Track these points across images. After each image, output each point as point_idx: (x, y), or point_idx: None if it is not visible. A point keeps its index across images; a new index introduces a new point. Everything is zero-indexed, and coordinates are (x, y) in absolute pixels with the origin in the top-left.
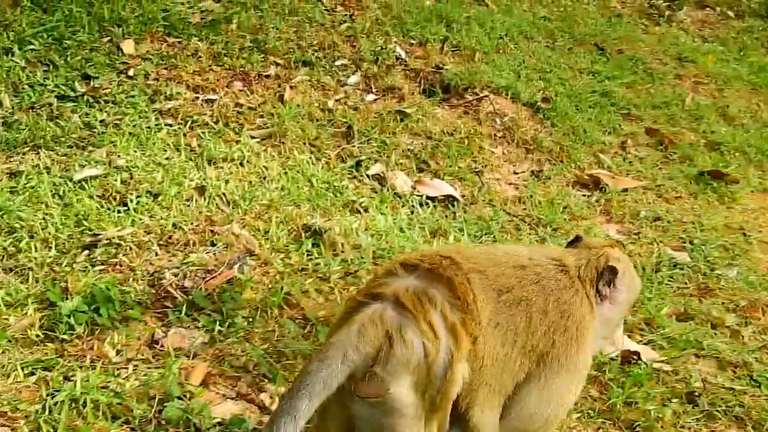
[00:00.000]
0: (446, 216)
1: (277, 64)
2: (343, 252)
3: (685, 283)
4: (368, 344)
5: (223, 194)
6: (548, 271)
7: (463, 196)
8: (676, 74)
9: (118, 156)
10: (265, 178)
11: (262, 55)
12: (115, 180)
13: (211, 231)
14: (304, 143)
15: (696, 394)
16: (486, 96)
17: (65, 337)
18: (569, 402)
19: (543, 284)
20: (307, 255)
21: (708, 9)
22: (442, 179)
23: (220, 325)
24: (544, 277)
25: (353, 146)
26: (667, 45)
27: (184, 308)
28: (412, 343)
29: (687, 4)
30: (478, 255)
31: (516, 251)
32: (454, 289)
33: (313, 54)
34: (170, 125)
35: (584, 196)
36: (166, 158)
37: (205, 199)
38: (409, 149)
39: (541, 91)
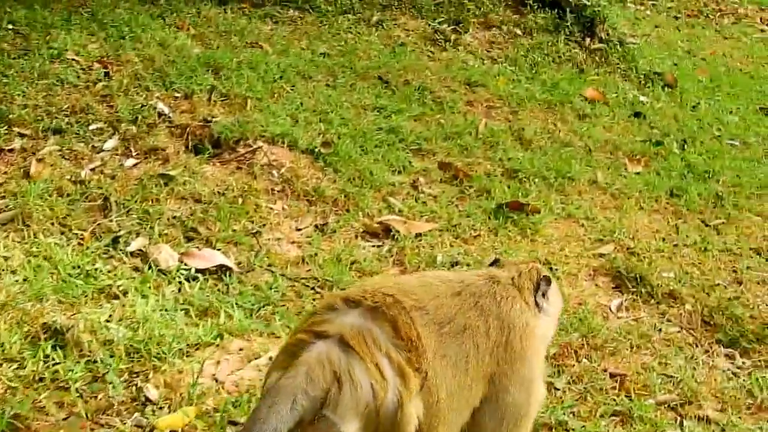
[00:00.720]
0: (218, 290)
1: (23, 136)
2: (90, 352)
3: None
4: (317, 387)
5: None
6: (482, 290)
7: (239, 263)
8: (467, 100)
9: None
10: (3, 270)
11: (5, 127)
12: None
13: None
14: (53, 223)
15: None
16: (260, 147)
17: None
18: (527, 414)
19: (481, 306)
20: (45, 361)
21: (494, 29)
22: (214, 247)
23: None
24: (480, 297)
25: (110, 220)
26: (456, 70)
27: None
28: (361, 384)
29: (472, 26)
30: (416, 288)
31: (449, 278)
32: (398, 329)
33: (64, 119)
34: None
35: (374, 246)
36: None
37: None
38: (174, 216)
39: (321, 135)
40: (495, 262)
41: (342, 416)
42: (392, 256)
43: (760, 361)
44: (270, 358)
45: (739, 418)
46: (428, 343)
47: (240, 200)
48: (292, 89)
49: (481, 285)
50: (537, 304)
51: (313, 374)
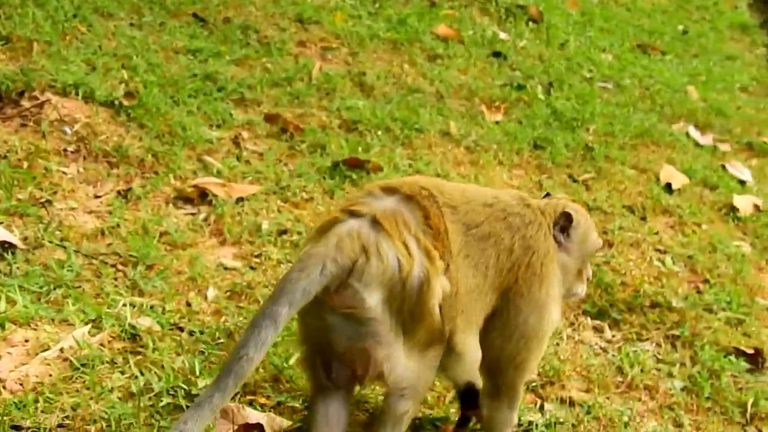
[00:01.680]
0: None
1: None
2: None
3: None
4: (345, 256)
5: None
6: (513, 207)
7: (24, 239)
8: (299, 40)
9: None
10: None
11: None
12: None
13: None
14: None
15: None
16: (48, 100)
17: None
18: (537, 337)
19: (509, 221)
20: None
21: None
22: None
23: None
24: (510, 214)
25: None
26: (285, 5)
27: None
28: (388, 257)
29: None
30: (451, 190)
31: (483, 190)
32: (428, 218)
33: None
34: None
35: (188, 214)
36: None
37: None
38: None
39: (124, 84)
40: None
41: (366, 285)
42: (209, 224)
43: (631, 333)
44: (61, 350)
45: (607, 398)
46: (454, 239)
47: (25, 164)
48: (88, 30)
49: (513, 204)
50: (555, 237)
51: (343, 244)
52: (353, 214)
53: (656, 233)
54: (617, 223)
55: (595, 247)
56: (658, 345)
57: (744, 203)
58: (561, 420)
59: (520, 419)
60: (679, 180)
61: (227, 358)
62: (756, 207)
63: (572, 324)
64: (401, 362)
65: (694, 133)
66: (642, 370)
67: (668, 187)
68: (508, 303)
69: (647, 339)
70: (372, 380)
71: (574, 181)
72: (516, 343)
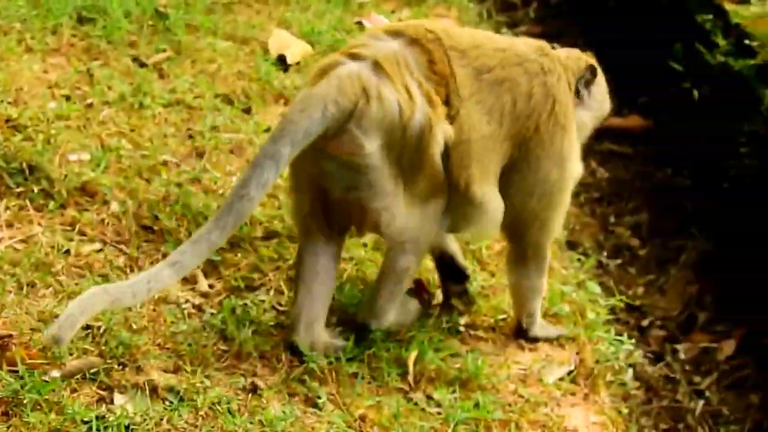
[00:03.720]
0: None
1: None
2: None
3: None
4: (347, 99)
5: None
6: (529, 54)
7: None
8: None
9: None
10: None
11: None
12: None
13: None
14: None
15: None
16: None
17: None
18: (560, 189)
19: (526, 67)
20: None
21: None
22: None
23: None
24: (526, 60)
25: None
26: None
27: None
28: (389, 100)
29: None
30: (461, 34)
31: (496, 36)
32: (433, 63)
33: None
34: None
35: None
36: None
37: None
38: None
39: None
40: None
41: (366, 130)
42: None
43: (237, 279)
44: None
45: (206, 377)
46: (463, 83)
47: None
48: None
49: (530, 51)
50: (578, 91)
51: (343, 85)
52: (354, 56)
53: (267, 130)
54: (209, 122)
55: (607, 110)
56: (278, 292)
57: None
58: (139, 416)
59: (80, 420)
60: (296, 49)
61: (228, 198)
62: None
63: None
64: (401, 214)
65: None
66: (256, 332)
67: (282, 62)
68: (528, 154)
69: (261, 285)
70: (368, 231)
71: (142, 65)
72: (539, 199)
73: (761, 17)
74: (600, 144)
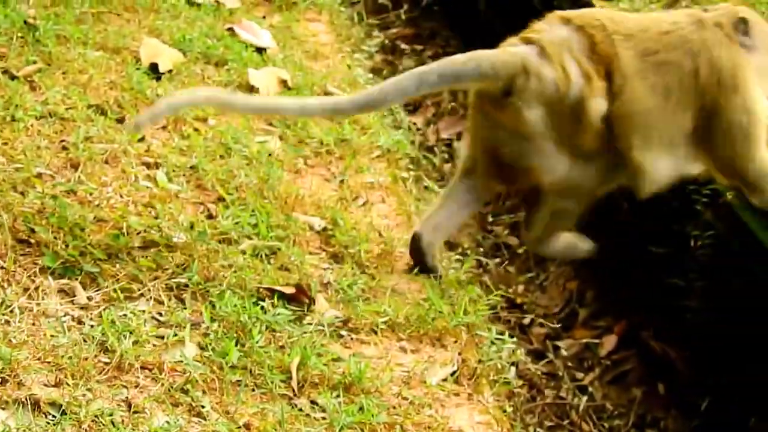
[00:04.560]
0: None
1: None
2: None
3: None
4: (503, 66)
5: None
6: (691, 34)
7: None
8: None
9: None
10: None
11: None
12: None
13: None
14: None
15: None
16: None
17: None
18: (756, 131)
19: (688, 47)
20: None
21: None
22: None
23: None
24: (687, 41)
25: None
26: None
27: None
28: (546, 77)
29: None
30: (627, 21)
31: (660, 18)
32: (595, 45)
33: None
34: None
35: None
36: None
37: None
38: None
39: None
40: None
41: (526, 102)
42: None
43: (116, 291)
44: None
45: (89, 390)
46: (627, 63)
47: None
48: None
49: (691, 30)
50: (741, 43)
51: (505, 56)
52: (526, 41)
53: (142, 139)
54: (83, 133)
55: None
56: (158, 302)
57: (265, 79)
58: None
59: None
60: (168, 58)
61: (370, 89)
62: (283, 83)
63: (26, 290)
64: (562, 171)
65: None
66: (137, 343)
67: (154, 70)
68: (712, 120)
69: (141, 295)
70: (529, 185)
71: (13, 77)
72: (741, 143)
73: None
74: None
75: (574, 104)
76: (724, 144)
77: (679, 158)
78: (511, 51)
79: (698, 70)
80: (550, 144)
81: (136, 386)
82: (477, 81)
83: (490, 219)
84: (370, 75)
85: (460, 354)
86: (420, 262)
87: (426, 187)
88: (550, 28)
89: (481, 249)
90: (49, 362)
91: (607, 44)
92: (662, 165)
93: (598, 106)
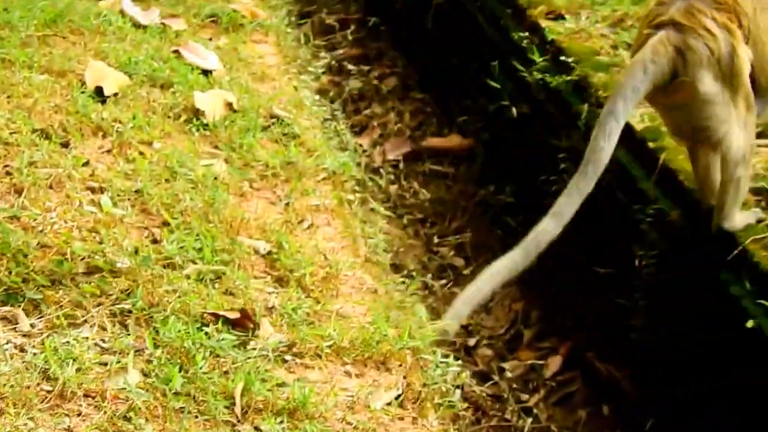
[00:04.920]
0: None
1: None
2: None
3: None
4: (662, 58)
5: None
6: None
7: None
8: None
9: None
10: None
11: None
12: None
13: None
14: None
15: None
16: None
17: None
18: None
19: None
20: None
21: None
22: None
23: None
24: None
25: None
26: None
27: None
28: (698, 48)
29: None
30: None
31: None
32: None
33: None
34: None
35: None
36: None
37: None
38: None
39: None
40: None
41: (694, 75)
42: None
43: (59, 317)
44: None
45: (30, 419)
46: (745, 5)
47: None
48: None
49: None
50: None
51: (657, 49)
52: (657, 26)
53: (86, 164)
54: (27, 158)
55: None
56: (102, 328)
57: (211, 103)
58: None
59: None
60: (113, 81)
61: (586, 155)
62: (229, 106)
63: None
64: (737, 135)
65: (131, 9)
66: (80, 369)
67: (99, 93)
68: None
69: (84, 322)
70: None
71: None
72: None
73: (576, 33)
74: (421, 165)
75: (728, 61)
76: None
77: None
78: (657, 41)
79: None
80: (723, 108)
81: (79, 414)
82: (652, 85)
83: (436, 240)
84: (317, 96)
85: (404, 377)
86: None
87: (372, 209)
88: (667, 4)
89: (427, 270)
90: None
91: None
92: None
93: (746, 54)
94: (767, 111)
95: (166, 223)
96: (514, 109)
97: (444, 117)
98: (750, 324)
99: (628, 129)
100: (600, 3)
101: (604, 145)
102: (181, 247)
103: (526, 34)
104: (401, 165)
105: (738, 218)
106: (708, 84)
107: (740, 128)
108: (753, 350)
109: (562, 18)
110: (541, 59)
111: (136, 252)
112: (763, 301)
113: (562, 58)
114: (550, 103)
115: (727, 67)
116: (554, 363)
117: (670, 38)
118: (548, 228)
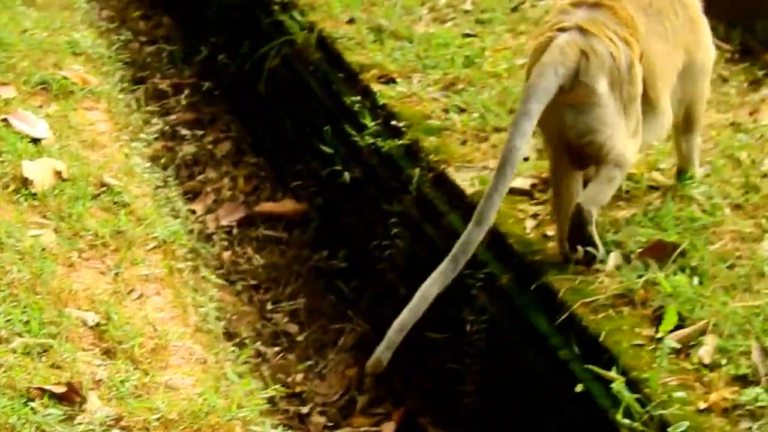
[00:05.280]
0: None
1: None
2: None
3: None
4: (570, 60)
5: None
6: None
7: None
8: None
9: None
10: None
11: None
12: None
13: None
14: None
15: None
16: None
17: None
18: (708, 71)
19: None
20: None
21: None
22: None
23: None
24: None
25: None
26: None
27: None
28: (602, 52)
29: None
30: None
31: None
32: (616, 14)
33: None
34: None
35: None
36: None
37: None
38: None
39: None
40: None
41: (594, 78)
42: None
43: None
44: None
45: None
46: (639, 22)
47: None
48: None
49: None
50: None
51: (565, 51)
52: (561, 29)
53: None
54: None
55: None
56: None
57: (40, 172)
58: None
59: None
60: None
61: (501, 155)
62: (58, 174)
63: None
64: (622, 141)
65: None
66: None
67: None
68: (690, 55)
69: None
70: (594, 162)
71: None
72: (701, 82)
73: (407, 97)
74: (255, 230)
75: (627, 70)
76: (694, 82)
77: (672, 100)
78: (565, 43)
79: (676, 9)
80: (614, 114)
81: None
82: (561, 83)
83: (270, 306)
84: (148, 163)
85: None
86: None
87: (203, 277)
88: (570, 13)
89: (260, 337)
90: None
91: (621, 9)
92: (669, 107)
93: (640, 67)
94: (654, 127)
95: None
96: (346, 174)
97: (278, 182)
98: (579, 388)
99: (460, 193)
100: (431, 67)
101: (520, 145)
102: (8, 320)
103: (358, 98)
104: (235, 230)
105: (611, 260)
106: (605, 88)
107: (626, 137)
108: (582, 415)
109: (394, 82)
110: (372, 123)
111: None
112: (590, 366)
113: (394, 122)
114: (382, 167)
115: (624, 77)
116: (388, 429)
117: (576, 41)
118: (473, 234)
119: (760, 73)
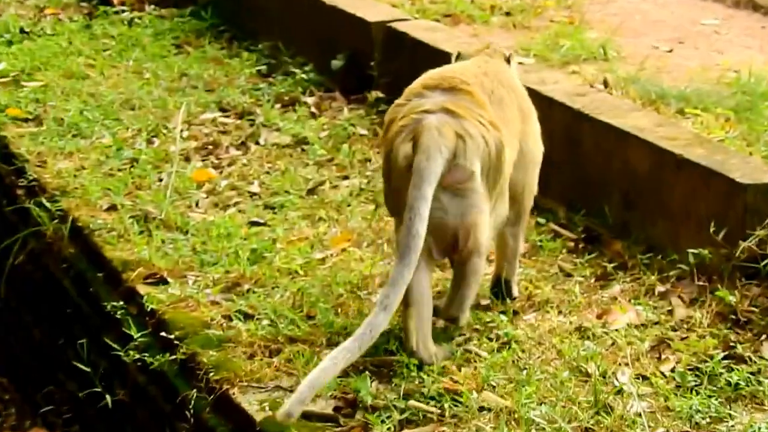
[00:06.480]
0: None
1: None
2: None
3: None
4: (450, 141)
5: None
6: (495, 68)
7: None
8: None
9: None
10: None
11: None
12: None
13: None
14: None
15: None
16: None
17: None
18: (538, 161)
19: (500, 80)
20: None
21: None
22: None
23: None
24: (497, 74)
25: None
26: None
27: None
28: (476, 135)
29: None
30: (463, 73)
31: (468, 64)
32: (473, 98)
33: None
34: None
35: None
36: None
37: None
38: None
39: None
40: (458, 57)
41: (471, 160)
42: None
43: None
44: None
45: None
46: (490, 107)
47: None
48: None
49: (492, 64)
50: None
51: (444, 132)
52: (426, 111)
53: None
54: None
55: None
56: None
57: None
58: None
59: None
60: None
61: (401, 241)
62: None
63: None
64: (487, 226)
65: None
66: None
67: None
68: (522, 144)
69: None
70: (457, 249)
71: None
72: (531, 171)
73: (181, 301)
74: None
75: (496, 153)
76: (525, 171)
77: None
78: (440, 125)
79: (510, 96)
80: (484, 199)
81: None
82: (445, 164)
83: None
84: None
85: None
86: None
87: None
88: (427, 96)
89: None
90: None
91: (476, 95)
92: (507, 193)
93: (508, 153)
94: (500, 213)
95: None
96: (108, 397)
97: (26, 405)
98: None
99: (248, 420)
100: (210, 263)
101: (422, 231)
102: None
103: (121, 303)
104: None
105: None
106: (479, 171)
107: (487, 225)
108: None
109: (165, 282)
110: (139, 335)
111: None
112: None
113: (165, 332)
114: (153, 388)
115: (493, 162)
116: None
117: (449, 123)
118: (379, 319)
119: (610, 266)
